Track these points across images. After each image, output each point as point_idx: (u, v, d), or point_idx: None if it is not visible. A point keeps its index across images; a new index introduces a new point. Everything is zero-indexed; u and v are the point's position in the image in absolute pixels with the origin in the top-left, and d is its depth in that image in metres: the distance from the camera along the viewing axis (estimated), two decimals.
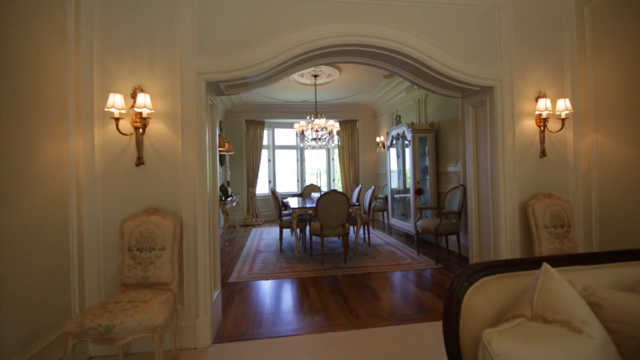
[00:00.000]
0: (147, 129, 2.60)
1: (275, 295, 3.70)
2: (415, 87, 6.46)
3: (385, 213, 7.70)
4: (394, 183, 7.05)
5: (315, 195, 6.07)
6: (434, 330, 2.75)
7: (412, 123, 5.95)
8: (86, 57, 2.58)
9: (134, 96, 2.56)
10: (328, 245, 5.86)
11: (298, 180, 9.68)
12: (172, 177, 2.65)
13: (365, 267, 4.60)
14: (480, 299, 1.17)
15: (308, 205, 5.41)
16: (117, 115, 2.47)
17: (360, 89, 7.61)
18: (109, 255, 2.57)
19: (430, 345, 2.51)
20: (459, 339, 1.13)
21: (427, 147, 5.95)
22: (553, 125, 3.16)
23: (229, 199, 6.21)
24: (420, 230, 5.04)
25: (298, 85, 6.95)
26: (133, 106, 2.50)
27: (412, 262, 4.81)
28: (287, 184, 9.73)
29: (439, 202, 5.75)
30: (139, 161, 2.59)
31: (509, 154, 3.11)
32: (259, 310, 3.28)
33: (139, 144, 2.59)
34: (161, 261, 2.39)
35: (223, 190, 6.24)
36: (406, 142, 6.18)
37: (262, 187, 9.15)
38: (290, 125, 7.75)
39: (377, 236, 6.76)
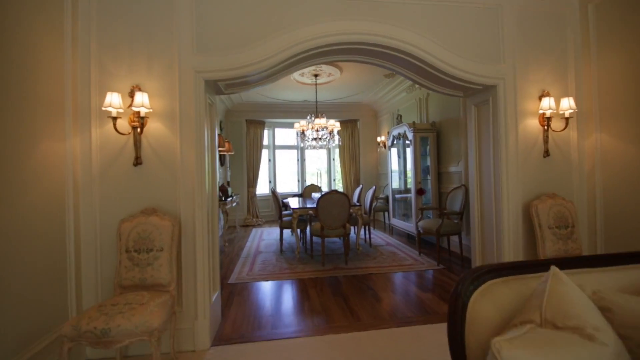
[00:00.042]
0: (145, 129, 2.57)
1: (275, 296, 3.66)
2: (417, 86, 6.42)
3: (386, 213, 7.65)
4: (395, 183, 7.01)
5: (316, 195, 6.03)
6: (437, 332, 2.70)
7: (414, 123, 5.90)
8: (83, 55, 2.54)
9: (131, 95, 2.53)
10: (329, 246, 5.82)
11: (298, 181, 9.65)
12: (171, 177, 2.61)
13: (366, 268, 4.56)
14: (486, 303, 1.14)
15: (308, 205, 5.37)
16: (114, 114, 2.43)
17: (361, 89, 7.57)
18: (107, 257, 2.53)
19: (433, 349, 2.47)
20: (464, 345, 1.09)
21: (428, 147, 5.91)
22: (557, 125, 3.11)
23: (229, 199, 6.17)
24: (421, 231, 5.00)
25: (298, 84, 6.91)
26: (131, 105, 2.47)
27: (414, 263, 4.77)
28: (287, 184, 9.69)
29: (440, 203, 5.71)
30: (137, 161, 2.56)
31: (512, 154, 3.07)
32: (258, 312, 3.24)
33: (137, 144, 2.55)
34: (159, 262, 2.35)
35: (223, 190, 6.21)
36: (407, 141, 6.14)
37: (262, 187, 9.11)
38: (291, 125, 7.72)
39: (378, 237, 6.72)
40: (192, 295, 2.59)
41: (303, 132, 6.34)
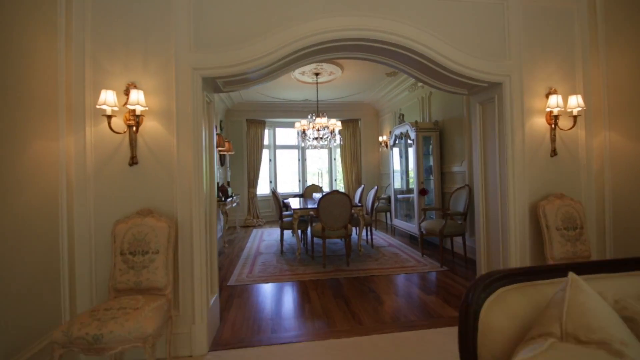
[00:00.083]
0: (140, 127, 2.49)
1: (276, 299, 3.58)
2: (419, 85, 6.34)
3: (388, 214, 7.57)
4: (397, 183, 6.93)
5: (317, 195, 5.95)
6: (441, 337, 2.62)
7: (416, 122, 5.82)
8: (77, 52, 2.48)
9: (127, 93, 2.45)
10: (330, 247, 5.74)
11: (299, 181, 9.57)
12: (167, 177, 2.54)
13: (368, 270, 4.48)
14: (499, 312, 1.06)
15: (309, 206, 5.30)
16: (109, 112, 2.36)
17: (362, 88, 7.49)
18: (102, 259, 2.46)
19: (438, 354, 2.39)
20: (477, 358, 1.01)
21: (431, 147, 5.83)
22: (564, 123, 3.02)
23: (229, 199, 6.10)
24: (424, 232, 4.91)
25: (299, 83, 6.84)
26: (126, 103, 2.39)
27: (417, 264, 4.69)
28: (288, 184, 9.61)
29: (443, 203, 5.62)
30: (133, 160, 2.49)
31: (519, 153, 2.98)
32: (258, 315, 3.17)
33: (133, 143, 2.48)
34: (155, 265, 2.28)
35: (223, 190, 6.14)
36: (409, 141, 6.06)
37: (263, 188, 9.04)
38: (292, 125, 7.64)
39: (380, 237, 6.63)
40: (190, 298, 2.52)
41: (304, 132, 6.27)
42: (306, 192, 7.49)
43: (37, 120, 2.19)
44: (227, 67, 2.62)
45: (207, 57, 2.59)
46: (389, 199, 7.46)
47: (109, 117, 2.38)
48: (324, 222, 4.66)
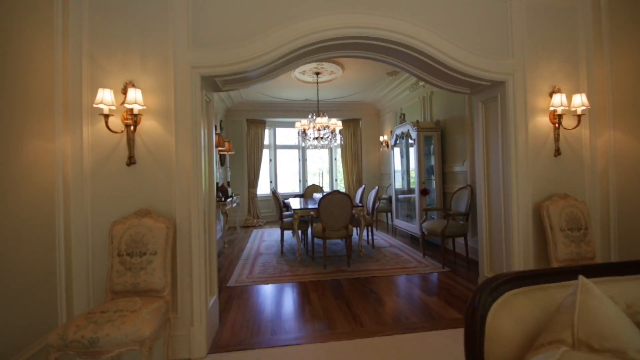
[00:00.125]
0: (138, 127, 2.46)
1: (276, 300, 3.54)
2: (420, 85, 6.30)
3: (389, 214, 7.53)
4: (398, 183, 6.88)
5: (318, 195, 5.91)
6: (443, 339, 2.58)
7: (417, 121, 5.78)
8: (74, 51, 2.44)
9: (124, 92, 2.42)
10: (330, 248, 5.70)
11: (300, 181, 9.53)
12: (166, 177, 2.50)
13: (369, 271, 4.44)
14: (507, 317, 1.02)
15: (310, 206, 5.26)
16: (106, 111, 2.32)
17: (363, 87, 7.45)
18: (99, 260, 2.42)
19: (441, 357, 2.35)
20: None
21: (432, 146, 5.78)
22: (568, 122, 2.98)
23: (229, 199, 6.06)
24: (426, 232, 4.87)
25: (300, 83, 6.80)
26: (124, 102, 2.36)
27: (418, 265, 4.64)
28: (288, 184, 9.57)
29: (445, 203, 5.58)
30: (130, 160, 2.45)
31: (522, 153, 2.94)
32: (258, 317, 3.13)
33: (130, 142, 2.44)
34: (153, 267, 2.24)
35: (223, 190, 6.10)
36: (411, 141, 6.01)
37: (263, 188, 9.00)
38: (292, 125, 7.60)
39: (381, 238, 6.59)
40: (188, 300, 2.48)
41: (304, 132, 6.23)
42: (307, 192, 7.45)
43: (33, 120, 2.16)
44: (227, 66, 2.59)
45: (206, 56, 2.56)
46: (389, 199, 7.42)
47: (106, 116, 2.34)
48: (325, 223, 4.62)
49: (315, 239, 5.44)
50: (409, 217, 6.38)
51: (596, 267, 1.27)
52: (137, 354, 2.31)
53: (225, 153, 6.99)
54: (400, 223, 6.62)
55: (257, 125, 8.66)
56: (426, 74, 3.25)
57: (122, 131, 2.44)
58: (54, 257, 2.30)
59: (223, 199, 5.79)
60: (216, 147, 5.49)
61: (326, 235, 4.64)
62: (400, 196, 6.79)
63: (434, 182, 5.77)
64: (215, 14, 2.59)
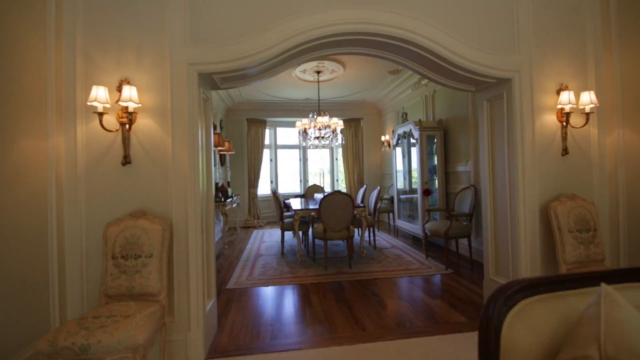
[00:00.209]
0: (134, 125, 2.39)
1: (276, 303, 3.47)
2: (423, 83, 6.22)
3: (390, 214, 7.45)
4: (400, 183, 6.80)
5: (319, 196, 5.83)
6: (448, 345, 2.50)
7: (420, 121, 5.69)
8: (68, 47, 2.37)
9: (120, 89, 2.35)
10: (332, 249, 5.62)
11: (301, 181, 9.46)
12: (162, 177, 2.43)
13: (371, 273, 4.36)
14: (524, 328, 0.94)
15: (311, 206, 5.19)
16: (100, 109, 2.25)
17: (364, 86, 7.37)
18: (94, 263, 2.35)
19: None
20: None
21: (435, 146, 5.70)
22: (576, 121, 2.89)
23: (229, 200, 5.99)
24: (429, 233, 4.79)
25: (300, 82, 6.72)
26: (118, 100, 2.28)
27: (421, 266, 4.56)
28: (289, 185, 9.50)
29: (447, 204, 5.50)
30: (126, 160, 2.38)
31: (528, 152, 2.85)
32: (257, 320, 3.05)
33: (126, 141, 2.37)
34: (148, 270, 2.17)
35: (223, 191, 6.03)
36: (413, 140, 5.93)
37: (264, 188, 8.93)
38: (293, 124, 7.52)
39: (383, 238, 6.51)
40: (185, 304, 2.41)
41: (305, 131, 6.16)
42: (307, 193, 7.38)
43: (25, 117, 2.09)
44: (225, 62, 2.51)
45: (203, 52, 2.48)
46: (391, 199, 7.34)
47: (101, 114, 2.27)
48: (326, 224, 4.54)
49: (316, 240, 5.36)
50: (411, 218, 6.30)
51: (616, 272, 1.18)
52: None
53: (225, 153, 6.92)
54: (402, 224, 6.54)
55: (257, 124, 8.59)
56: (430, 71, 3.17)
57: (117, 130, 2.37)
58: (47, 260, 2.23)
59: (223, 200, 5.72)
60: (216, 146, 5.42)
61: (327, 236, 4.56)
62: (402, 196, 6.71)
63: (436, 182, 5.69)
64: (214, 9, 2.52)
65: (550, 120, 2.91)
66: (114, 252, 2.19)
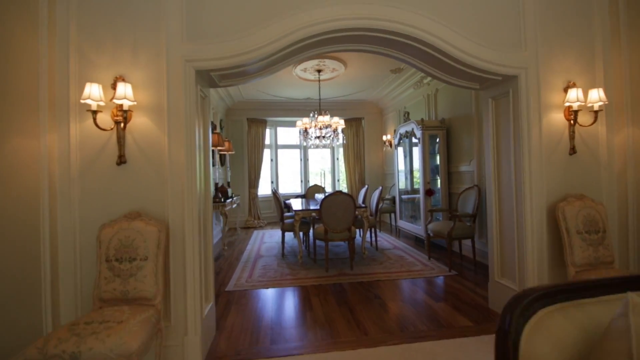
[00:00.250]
0: (129, 124, 2.31)
1: (276, 305, 3.39)
2: (425, 82, 6.14)
3: (392, 215, 7.37)
4: (402, 183, 6.73)
5: (319, 196, 5.76)
6: (452, 351, 2.43)
7: (422, 120, 5.61)
8: (61, 43, 2.30)
9: (114, 87, 2.28)
10: (333, 250, 5.54)
11: (301, 181, 9.38)
12: (158, 177, 2.36)
13: (373, 274, 4.28)
14: (543, 341, 0.86)
15: (312, 207, 5.11)
16: (94, 107, 2.18)
17: (366, 85, 7.29)
18: (88, 265, 2.28)
19: None
20: None
21: (437, 145, 5.62)
22: (584, 119, 2.81)
23: (229, 200, 5.92)
24: (431, 234, 4.71)
25: (301, 81, 6.65)
26: (113, 98, 2.21)
27: (423, 268, 4.48)
28: (290, 185, 9.43)
29: (450, 204, 5.42)
30: (121, 159, 2.31)
31: (535, 151, 2.77)
32: (257, 323, 2.98)
33: (120, 140, 2.30)
34: (143, 273, 2.10)
35: (223, 191, 5.96)
36: (415, 140, 5.86)
37: (264, 188, 8.86)
38: (294, 124, 7.45)
39: (385, 239, 6.44)
40: (182, 308, 2.34)
41: (306, 131, 6.09)
42: (308, 193, 7.31)
43: (15, 116, 2.02)
44: (224, 59, 2.44)
45: (200, 49, 2.41)
46: (393, 199, 7.26)
47: (95, 112, 2.20)
48: (327, 224, 4.47)
49: (317, 241, 5.29)
50: (413, 218, 6.22)
51: (634, 279, 1.11)
52: None
53: (225, 153, 6.85)
54: (404, 224, 6.46)
55: (257, 124, 8.52)
56: (433, 69, 3.09)
57: (112, 128, 2.30)
58: (39, 263, 2.16)
59: (223, 200, 5.65)
60: (216, 146, 5.35)
61: (328, 237, 4.48)
62: (404, 197, 6.63)
63: (439, 182, 5.61)
64: (212, 4, 2.45)
65: (558, 118, 2.83)
66: (108, 255, 2.12)
